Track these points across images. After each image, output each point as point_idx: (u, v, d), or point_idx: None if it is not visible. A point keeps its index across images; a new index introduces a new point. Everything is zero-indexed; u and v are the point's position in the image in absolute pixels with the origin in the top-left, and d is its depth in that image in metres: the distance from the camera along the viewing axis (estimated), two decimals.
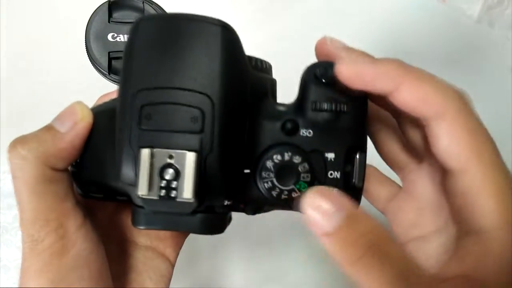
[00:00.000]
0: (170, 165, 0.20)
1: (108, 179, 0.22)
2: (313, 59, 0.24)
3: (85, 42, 0.38)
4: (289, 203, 0.22)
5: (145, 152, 0.20)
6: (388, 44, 0.47)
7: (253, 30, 0.46)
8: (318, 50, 0.24)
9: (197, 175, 0.20)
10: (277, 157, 0.22)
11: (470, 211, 0.20)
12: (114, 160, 0.21)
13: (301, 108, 0.22)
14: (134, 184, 0.20)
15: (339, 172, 0.22)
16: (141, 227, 0.22)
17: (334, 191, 0.19)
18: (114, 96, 0.25)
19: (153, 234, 0.28)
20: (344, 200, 0.19)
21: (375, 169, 0.27)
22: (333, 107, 0.22)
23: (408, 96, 0.20)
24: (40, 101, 0.46)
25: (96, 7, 0.38)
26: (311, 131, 0.22)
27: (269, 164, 0.22)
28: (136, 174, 0.20)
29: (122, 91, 0.21)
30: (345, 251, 0.18)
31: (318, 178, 0.22)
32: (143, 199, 0.20)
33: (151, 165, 0.20)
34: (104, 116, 0.23)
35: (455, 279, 0.19)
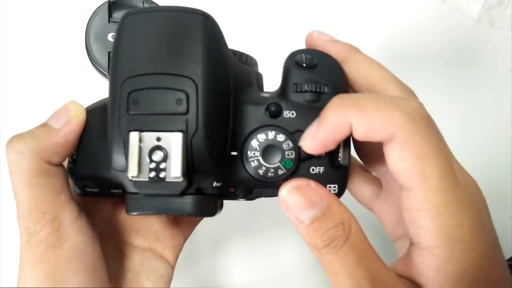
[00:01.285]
0: (158, 147, 0.21)
1: (102, 170, 0.23)
2: None
3: (85, 42, 0.38)
4: (277, 182, 0.22)
5: (134, 135, 0.21)
6: (388, 44, 0.47)
7: (253, 29, 0.46)
8: (307, 43, 0.25)
9: (185, 154, 0.21)
10: (261, 137, 0.23)
11: (413, 227, 0.21)
12: (106, 151, 0.22)
13: (283, 92, 0.23)
14: (124, 170, 0.21)
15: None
16: (134, 213, 0.23)
17: (312, 185, 0.21)
18: None
19: (151, 235, 0.28)
20: (320, 194, 0.21)
21: (360, 166, 0.27)
22: (314, 88, 0.23)
23: (360, 131, 0.20)
24: (40, 101, 0.46)
25: (96, 7, 0.38)
26: (294, 112, 0.23)
27: (254, 143, 0.23)
28: (126, 158, 0.21)
29: (112, 82, 0.22)
30: (315, 238, 0.20)
31: (302, 157, 0.23)
32: (134, 182, 0.21)
33: (140, 148, 0.21)
34: (97, 112, 0.24)
35: (402, 280, 0.21)
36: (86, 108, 0.24)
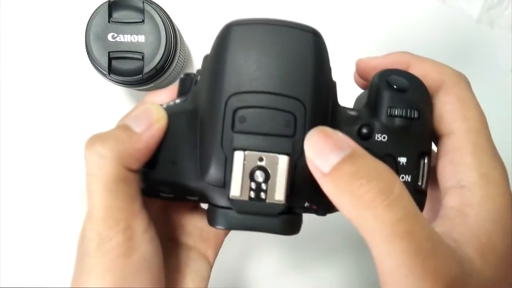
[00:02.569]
0: (260, 168, 0.21)
1: (184, 179, 0.23)
2: None
3: (85, 42, 0.38)
4: None
5: (239, 155, 0.21)
6: (388, 43, 0.47)
7: None
8: (360, 71, 0.27)
9: (289, 178, 0.21)
10: None
11: (453, 166, 0.22)
12: (191, 161, 0.22)
13: (375, 114, 0.23)
14: (221, 186, 0.21)
15: (410, 176, 0.23)
16: (220, 227, 0.23)
17: (339, 133, 0.20)
18: (164, 94, 0.26)
19: (196, 233, 0.28)
20: (346, 140, 0.20)
21: None
22: (406, 114, 0.22)
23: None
24: (40, 101, 0.46)
25: (96, 7, 0.38)
26: (385, 136, 0.23)
27: None
28: (226, 176, 0.21)
29: (213, 95, 0.21)
30: (342, 193, 0.19)
31: None
32: (233, 201, 0.21)
33: (243, 167, 0.21)
34: (179, 117, 0.23)
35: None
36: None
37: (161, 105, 0.24)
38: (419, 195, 0.23)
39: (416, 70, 0.24)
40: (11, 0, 0.47)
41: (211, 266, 0.28)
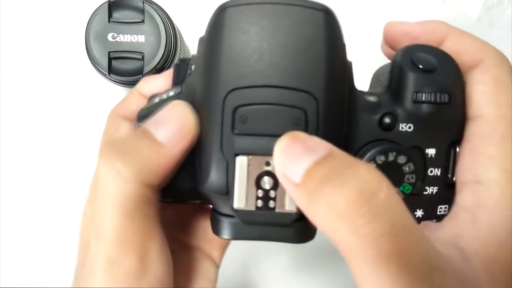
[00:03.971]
0: (268, 173, 0.18)
1: (185, 184, 0.20)
2: None
3: (85, 42, 0.38)
4: None
5: (242, 161, 0.18)
6: None
7: None
8: (387, 37, 0.23)
9: None
10: (380, 158, 0.19)
11: (473, 156, 0.19)
12: (191, 164, 0.19)
13: (398, 99, 0.20)
14: (223, 193, 0.18)
15: (439, 169, 0.20)
16: (226, 238, 0.20)
17: (314, 138, 0.17)
18: (160, 79, 0.23)
19: (200, 233, 0.26)
20: (321, 142, 0.17)
21: None
22: (436, 98, 0.19)
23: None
24: (40, 101, 0.46)
25: (96, 7, 0.38)
26: (411, 125, 0.20)
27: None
28: (229, 184, 0.18)
29: (209, 91, 0.18)
30: (315, 203, 0.15)
31: (419, 177, 0.20)
32: (238, 211, 0.18)
33: (248, 174, 0.18)
34: None
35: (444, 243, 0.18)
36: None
37: (154, 97, 0.21)
38: (450, 190, 0.20)
39: (452, 44, 0.21)
40: (11, 0, 0.47)
41: (218, 268, 0.25)
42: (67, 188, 0.46)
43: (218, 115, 0.18)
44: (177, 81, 0.22)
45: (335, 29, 0.18)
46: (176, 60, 0.40)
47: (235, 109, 0.18)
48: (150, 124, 0.19)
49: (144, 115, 0.20)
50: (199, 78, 0.19)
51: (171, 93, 0.21)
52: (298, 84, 0.18)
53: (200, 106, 0.19)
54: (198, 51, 0.20)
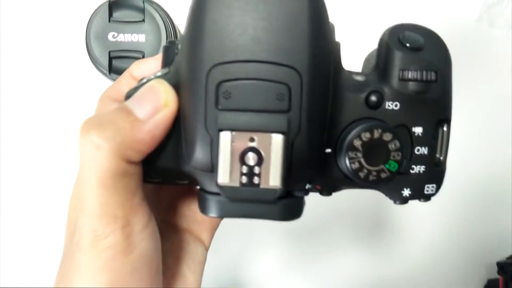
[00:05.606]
0: (252, 149, 0.18)
1: (170, 163, 0.20)
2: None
3: (86, 41, 0.38)
4: (376, 185, 0.20)
5: (225, 136, 0.18)
6: None
7: None
8: None
9: (285, 159, 0.18)
10: (365, 135, 0.19)
11: None
12: (177, 143, 0.20)
13: (385, 77, 0.20)
14: (208, 170, 0.19)
15: (426, 148, 0.20)
16: (213, 215, 0.20)
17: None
18: (152, 62, 0.23)
19: (190, 216, 0.26)
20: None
21: None
22: (422, 76, 0.19)
23: None
24: (41, 101, 0.46)
25: (96, 7, 0.38)
26: (398, 103, 0.20)
27: (356, 143, 0.19)
28: (214, 160, 0.18)
29: (192, 67, 0.18)
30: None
31: (405, 155, 0.20)
32: (222, 187, 0.18)
33: (232, 149, 0.18)
34: None
35: None
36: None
37: (143, 78, 0.21)
38: (437, 169, 0.21)
39: None
40: (12, 0, 0.47)
41: (206, 250, 0.26)
42: (67, 187, 0.46)
43: (202, 91, 0.18)
44: (167, 62, 0.22)
45: (320, 6, 0.18)
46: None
47: (219, 84, 0.18)
48: (128, 101, 0.20)
49: (130, 95, 0.20)
50: (184, 55, 0.19)
51: (159, 74, 0.21)
52: (281, 59, 0.18)
53: (184, 83, 0.19)
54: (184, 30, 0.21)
